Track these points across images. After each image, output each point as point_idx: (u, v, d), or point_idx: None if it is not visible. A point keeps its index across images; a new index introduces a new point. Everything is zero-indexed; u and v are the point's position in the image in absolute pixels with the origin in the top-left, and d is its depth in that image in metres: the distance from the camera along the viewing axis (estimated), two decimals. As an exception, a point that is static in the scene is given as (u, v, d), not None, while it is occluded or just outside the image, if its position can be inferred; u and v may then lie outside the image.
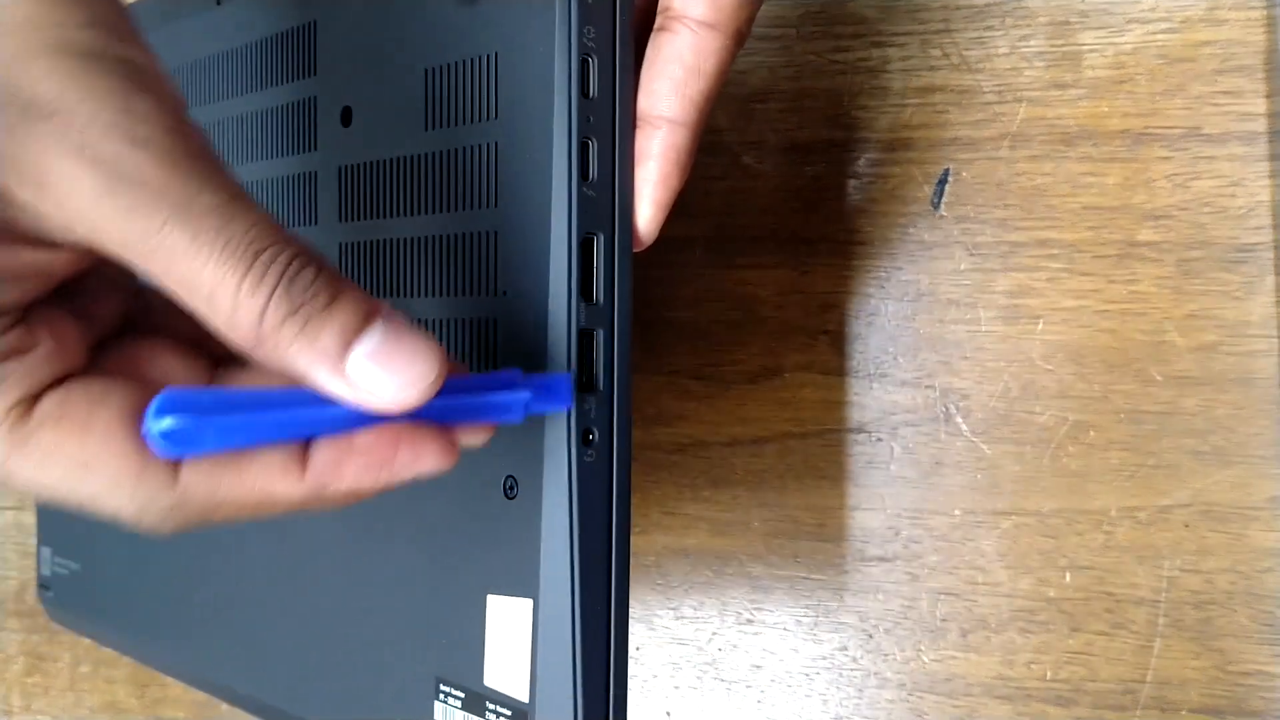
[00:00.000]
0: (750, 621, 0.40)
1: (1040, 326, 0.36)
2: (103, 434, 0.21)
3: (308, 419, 0.22)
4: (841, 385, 0.39)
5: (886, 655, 0.38)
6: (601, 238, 0.26)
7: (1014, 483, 0.37)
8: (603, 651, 0.26)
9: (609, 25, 0.26)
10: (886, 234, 0.38)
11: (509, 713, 0.27)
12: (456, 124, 0.28)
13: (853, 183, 0.38)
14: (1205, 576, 0.35)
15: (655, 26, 0.27)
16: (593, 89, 0.26)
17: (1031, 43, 0.36)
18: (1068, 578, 0.36)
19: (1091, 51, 0.36)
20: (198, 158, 0.21)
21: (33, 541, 0.51)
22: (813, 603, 0.39)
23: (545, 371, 0.26)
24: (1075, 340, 0.36)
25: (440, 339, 0.29)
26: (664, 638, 0.41)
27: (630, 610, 0.27)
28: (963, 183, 0.37)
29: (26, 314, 0.22)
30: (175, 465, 0.21)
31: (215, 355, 0.24)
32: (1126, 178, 0.35)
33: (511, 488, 0.27)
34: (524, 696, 0.27)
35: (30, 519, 0.55)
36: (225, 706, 0.50)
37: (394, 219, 0.30)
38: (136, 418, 0.21)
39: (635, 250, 0.27)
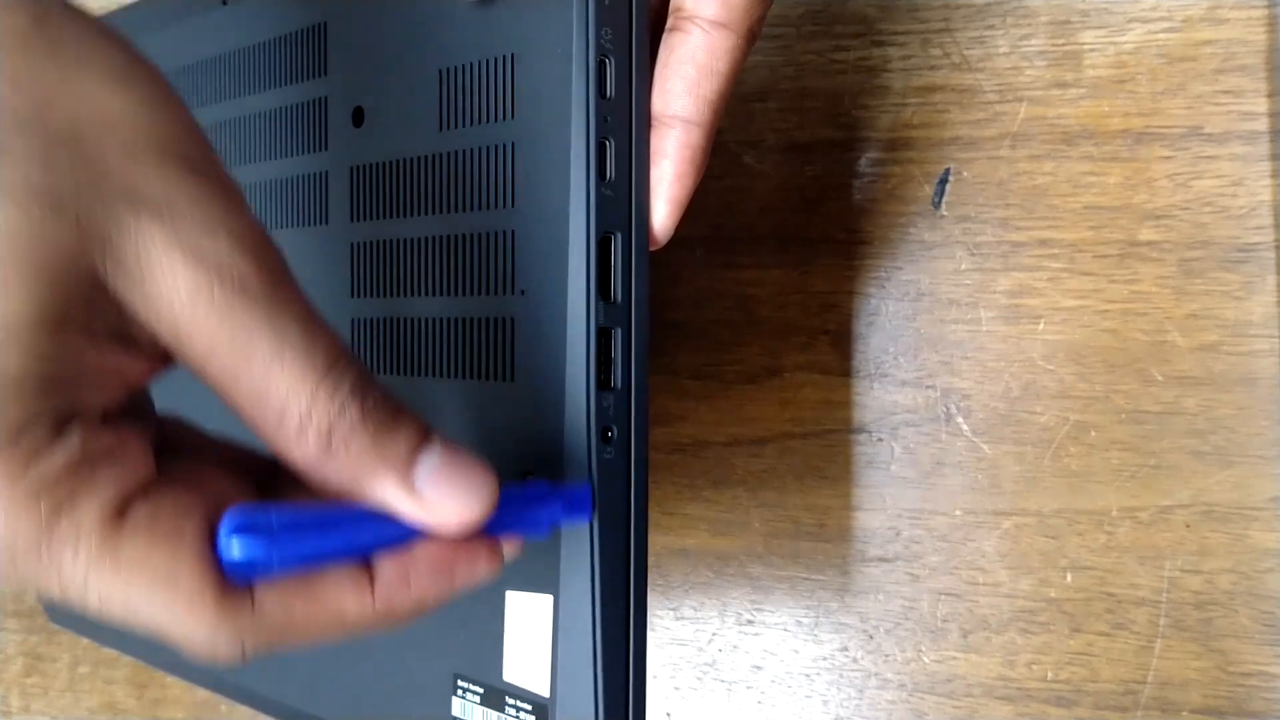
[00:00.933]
0: (750, 622, 0.40)
1: (1041, 326, 0.36)
2: (191, 547, 0.20)
3: (375, 534, 0.22)
4: (842, 385, 0.38)
5: (887, 656, 0.38)
6: (619, 237, 0.26)
7: (1015, 483, 0.36)
8: (622, 646, 0.26)
9: (625, 26, 0.26)
10: (887, 234, 0.38)
11: (529, 707, 0.28)
12: (471, 124, 0.29)
13: (853, 182, 0.38)
14: (1206, 577, 0.35)
15: (668, 27, 0.27)
16: (610, 89, 0.26)
17: (1032, 42, 0.36)
18: (1069, 578, 0.36)
19: (1092, 51, 0.36)
20: (286, 272, 0.21)
21: (31, 542, 0.51)
22: (813, 603, 0.39)
23: (566, 477, 0.26)
24: (1076, 340, 0.36)
25: (456, 338, 0.29)
26: (664, 638, 0.41)
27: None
28: (963, 182, 0.37)
29: (105, 420, 0.21)
30: (250, 587, 0.20)
31: (256, 479, 0.23)
32: (1127, 177, 0.35)
33: None
34: (545, 691, 0.27)
35: (29, 519, 0.55)
36: (225, 707, 0.50)
37: (407, 219, 0.31)
38: (213, 534, 0.20)
39: (651, 249, 0.27)
